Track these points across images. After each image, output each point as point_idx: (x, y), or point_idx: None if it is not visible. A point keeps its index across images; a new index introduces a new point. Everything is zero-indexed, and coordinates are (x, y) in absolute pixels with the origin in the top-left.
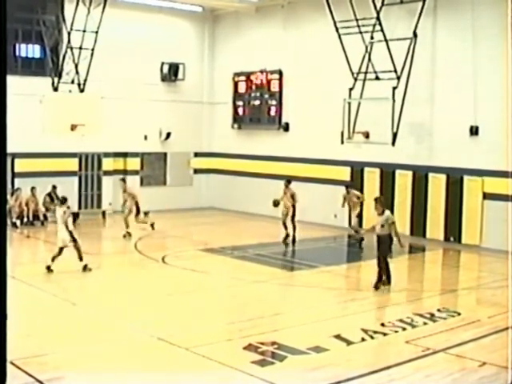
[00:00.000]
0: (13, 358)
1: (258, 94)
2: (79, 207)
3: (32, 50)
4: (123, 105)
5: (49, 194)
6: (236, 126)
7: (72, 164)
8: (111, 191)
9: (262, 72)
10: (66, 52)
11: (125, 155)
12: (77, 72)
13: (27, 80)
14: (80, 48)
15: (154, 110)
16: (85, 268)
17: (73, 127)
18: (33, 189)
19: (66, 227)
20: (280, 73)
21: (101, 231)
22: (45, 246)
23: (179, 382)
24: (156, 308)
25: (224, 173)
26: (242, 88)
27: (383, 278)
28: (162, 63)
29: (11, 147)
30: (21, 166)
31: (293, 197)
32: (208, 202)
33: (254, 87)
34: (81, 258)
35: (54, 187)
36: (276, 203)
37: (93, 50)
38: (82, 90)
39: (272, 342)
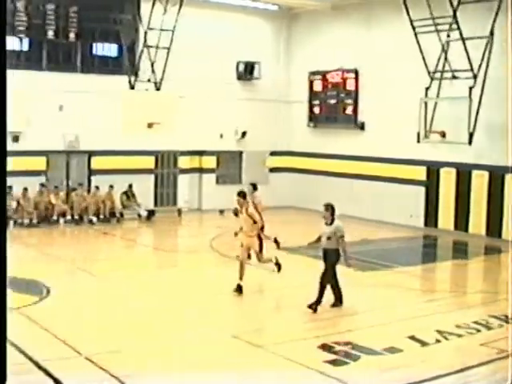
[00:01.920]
0: (89, 353)
1: (333, 93)
2: (155, 205)
3: (109, 49)
4: (199, 103)
5: (125, 192)
6: (312, 124)
7: (148, 162)
8: (187, 189)
9: (338, 71)
10: (142, 51)
11: (201, 153)
12: (153, 71)
13: (104, 79)
14: (156, 47)
15: (230, 108)
16: None
17: (150, 125)
18: (110, 187)
19: None
20: (356, 72)
21: (176, 229)
22: (121, 243)
23: (253, 380)
24: (232, 306)
25: (299, 171)
26: (317, 87)
27: (321, 300)
28: (238, 62)
29: (88, 145)
30: (98, 163)
31: (256, 207)
32: (283, 201)
33: (329, 86)
34: None
35: (130, 186)
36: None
37: (169, 48)
38: (158, 89)
39: (346, 341)
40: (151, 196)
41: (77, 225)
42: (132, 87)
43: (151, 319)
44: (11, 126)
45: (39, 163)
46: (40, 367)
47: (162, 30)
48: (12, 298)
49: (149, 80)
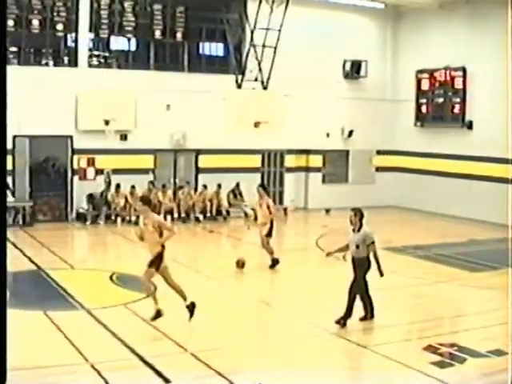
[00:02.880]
0: (194, 349)
1: (441, 92)
2: None
3: (216, 49)
4: (305, 102)
5: (232, 191)
6: (419, 123)
7: (255, 160)
8: (293, 188)
9: (445, 69)
10: (249, 50)
11: (307, 152)
12: (260, 70)
13: (211, 78)
14: (263, 46)
15: (337, 107)
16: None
17: (256, 124)
18: (218, 186)
19: None
20: (464, 70)
21: (282, 227)
22: (227, 241)
23: (357, 380)
24: (336, 305)
25: (406, 171)
26: (425, 85)
27: (351, 313)
28: (345, 60)
29: (195, 143)
30: (205, 161)
31: (269, 209)
32: (390, 201)
33: (437, 84)
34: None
35: (238, 185)
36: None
37: (275, 47)
38: (265, 88)
39: (451, 343)
40: (257, 195)
41: (183, 223)
42: (239, 86)
43: (255, 316)
44: (120, 125)
45: (147, 161)
46: (146, 363)
47: (268, 29)
48: (120, 293)
49: (256, 79)
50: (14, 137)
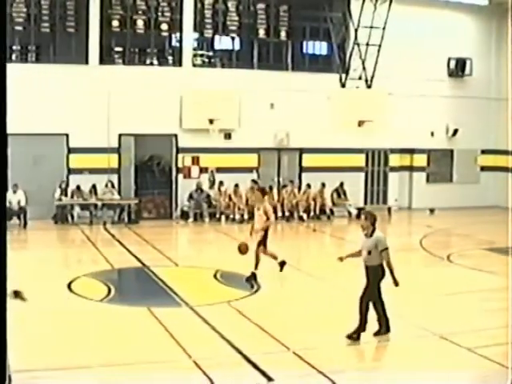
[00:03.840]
0: (296, 348)
1: None
2: (365, 203)
3: (319, 47)
4: (409, 101)
5: (336, 190)
6: None
7: (359, 160)
8: (397, 187)
9: None
10: (353, 48)
11: (411, 151)
12: (364, 68)
13: (315, 76)
14: (367, 44)
15: (441, 105)
16: None
17: (360, 123)
18: (322, 185)
19: None
20: None
21: (386, 227)
22: (330, 241)
23: (457, 381)
24: (438, 306)
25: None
26: None
27: (364, 327)
28: (449, 59)
29: (298, 142)
30: (308, 161)
31: (266, 214)
32: (494, 201)
33: None
34: None
35: (342, 184)
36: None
37: (380, 46)
38: (368, 86)
39: None
40: (361, 194)
41: (287, 222)
42: (343, 85)
43: (354, 316)
44: (224, 124)
45: (251, 160)
46: (249, 361)
47: (372, 27)
48: (223, 291)
49: (359, 78)
50: (120, 135)
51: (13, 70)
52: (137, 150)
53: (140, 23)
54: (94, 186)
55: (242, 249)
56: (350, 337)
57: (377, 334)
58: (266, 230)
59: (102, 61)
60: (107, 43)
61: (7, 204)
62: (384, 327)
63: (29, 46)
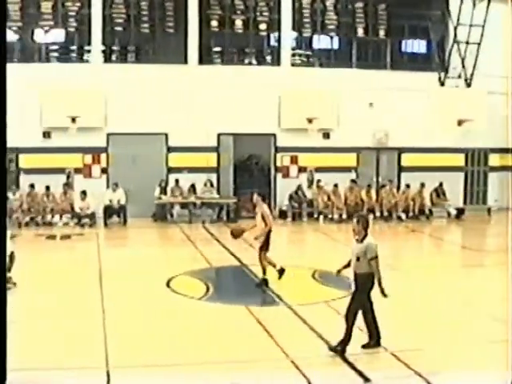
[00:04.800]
0: (394, 349)
1: None
2: (464, 203)
3: (418, 46)
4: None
5: (435, 190)
6: None
7: (458, 159)
8: (497, 188)
9: None
10: (452, 47)
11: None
12: (463, 67)
13: (414, 75)
14: (466, 43)
15: None
16: None
17: (459, 122)
18: (421, 185)
19: None
20: None
21: (485, 228)
22: (429, 241)
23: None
24: None
25: None
26: None
27: (349, 338)
28: None
29: (397, 142)
30: (407, 160)
31: (264, 219)
32: None
33: None
34: None
35: (441, 184)
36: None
37: (479, 44)
38: (468, 85)
39: None
40: (460, 194)
41: (385, 221)
42: (442, 84)
43: (456, 316)
44: (322, 123)
45: (349, 160)
46: (346, 361)
47: (471, 25)
48: (321, 291)
49: (459, 76)
50: (219, 135)
51: (113, 70)
52: (236, 149)
53: (238, 23)
54: (193, 185)
55: (235, 233)
56: (332, 349)
57: (365, 346)
58: (267, 235)
59: (201, 61)
60: (206, 43)
61: (108, 202)
62: (374, 340)
63: (128, 47)
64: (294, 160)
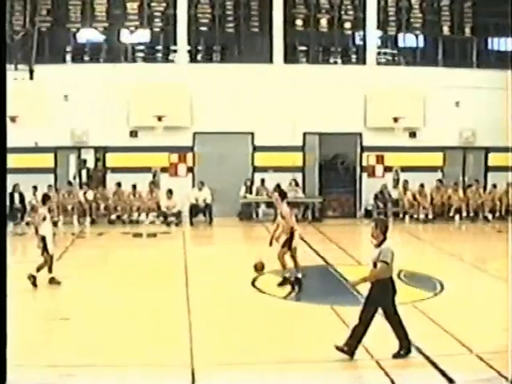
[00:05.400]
0: (480, 350)
1: None
2: None
3: (505, 43)
4: None
5: None
6: None
7: None
8: None
9: None
10: None
11: None
12: None
13: (500, 73)
14: None
15: None
16: None
17: None
18: (508, 184)
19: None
20: None
21: None
22: None
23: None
24: None
25: None
26: None
27: (357, 345)
28: None
29: (484, 141)
30: (494, 160)
31: (284, 217)
32: None
33: None
34: None
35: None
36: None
37: None
38: None
39: None
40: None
41: (472, 222)
42: None
43: None
44: (408, 122)
45: (436, 159)
46: (431, 362)
47: None
48: (407, 291)
49: None
50: (304, 134)
51: (198, 69)
52: (321, 148)
53: (323, 22)
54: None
55: (258, 267)
56: (341, 349)
57: (397, 356)
58: (291, 233)
59: (286, 60)
60: (291, 42)
61: (193, 201)
62: (405, 349)
63: (214, 46)
64: (379, 159)
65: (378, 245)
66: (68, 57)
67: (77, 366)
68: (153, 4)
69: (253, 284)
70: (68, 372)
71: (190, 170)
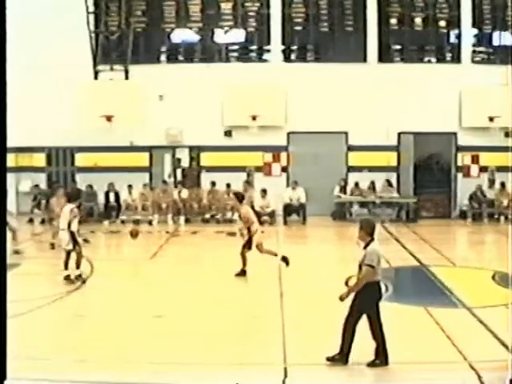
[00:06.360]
0: None
1: None
2: None
3: None
4: None
5: None
6: None
7: None
8: None
9: None
10: None
11: None
12: None
13: None
14: None
15: None
16: None
17: None
18: None
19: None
20: None
21: None
22: None
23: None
24: None
25: None
26: None
27: (346, 351)
28: None
29: None
30: None
31: (240, 217)
32: None
33: None
34: None
35: None
36: None
37: None
38: None
39: None
40: None
41: None
42: None
43: None
44: (505, 121)
45: None
46: None
47: None
48: (501, 293)
49: None
50: (399, 134)
51: (292, 69)
52: (416, 148)
53: (418, 20)
54: (372, 182)
55: (133, 233)
56: (330, 359)
57: (372, 364)
58: (249, 233)
59: (380, 59)
60: (385, 41)
61: (287, 200)
62: (381, 356)
63: (308, 46)
64: (474, 159)
65: (365, 246)
66: (163, 57)
67: (165, 364)
68: (247, 4)
69: (346, 284)
70: (155, 369)
71: (284, 169)
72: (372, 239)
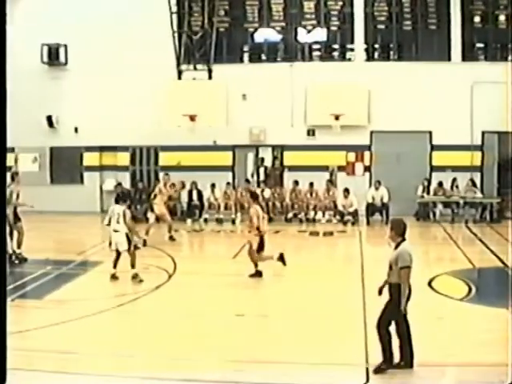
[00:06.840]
0: None
1: None
2: None
3: None
4: None
5: None
6: None
7: None
8: None
9: None
10: None
11: None
12: None
13: None
14: None
15: None
16: None
17: None
18: None
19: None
20: None
21: None
22: None
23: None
24: None
25: None
26: None
27: (390, 357)
28: None
29: None
30: None
31: (251, 220)
32: None
33: None
34: None
35: None
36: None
37: None
38: None
39: None
40: None
41: None
42: None
43: None
44: None
45: None
46: None
47: None
48: None
49: None
50: (483, 133)
51: (375, 68)
52: (500, 147)
53: (502, 18)
54: (456, 184)
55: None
56: (376, 371)
57: (397, 366)
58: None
59: (464, 57)
60: (469, 39)
61: (370, 200)
62: (406, 359)
63: (391, 44)
64: None
65: (396, 247)
66: (246, 56)
67: (247, 362)
68: (329, 3)
69: (429, 284)
70: (238, 368)
71: (367, 168)
72: (403, 239)
